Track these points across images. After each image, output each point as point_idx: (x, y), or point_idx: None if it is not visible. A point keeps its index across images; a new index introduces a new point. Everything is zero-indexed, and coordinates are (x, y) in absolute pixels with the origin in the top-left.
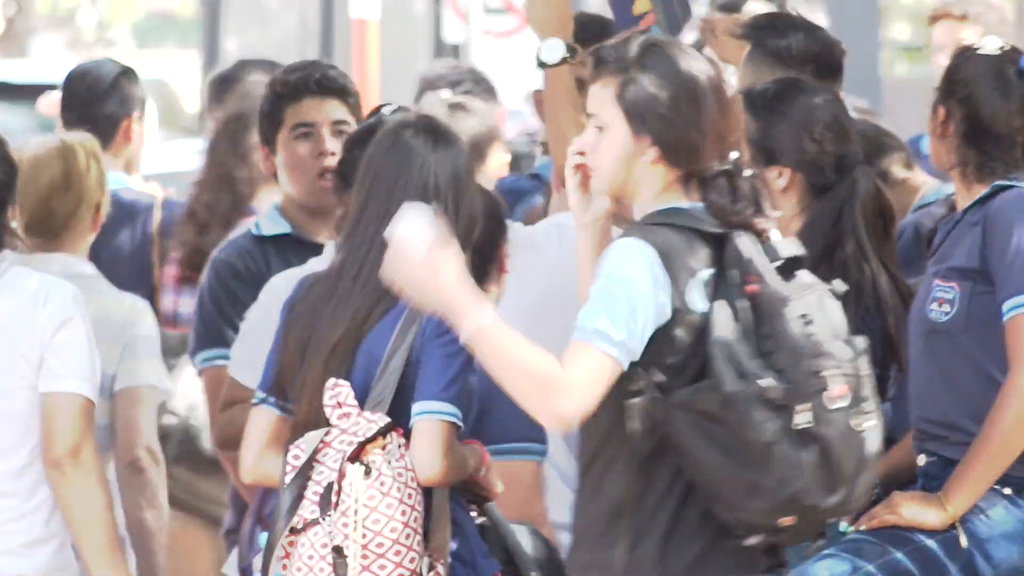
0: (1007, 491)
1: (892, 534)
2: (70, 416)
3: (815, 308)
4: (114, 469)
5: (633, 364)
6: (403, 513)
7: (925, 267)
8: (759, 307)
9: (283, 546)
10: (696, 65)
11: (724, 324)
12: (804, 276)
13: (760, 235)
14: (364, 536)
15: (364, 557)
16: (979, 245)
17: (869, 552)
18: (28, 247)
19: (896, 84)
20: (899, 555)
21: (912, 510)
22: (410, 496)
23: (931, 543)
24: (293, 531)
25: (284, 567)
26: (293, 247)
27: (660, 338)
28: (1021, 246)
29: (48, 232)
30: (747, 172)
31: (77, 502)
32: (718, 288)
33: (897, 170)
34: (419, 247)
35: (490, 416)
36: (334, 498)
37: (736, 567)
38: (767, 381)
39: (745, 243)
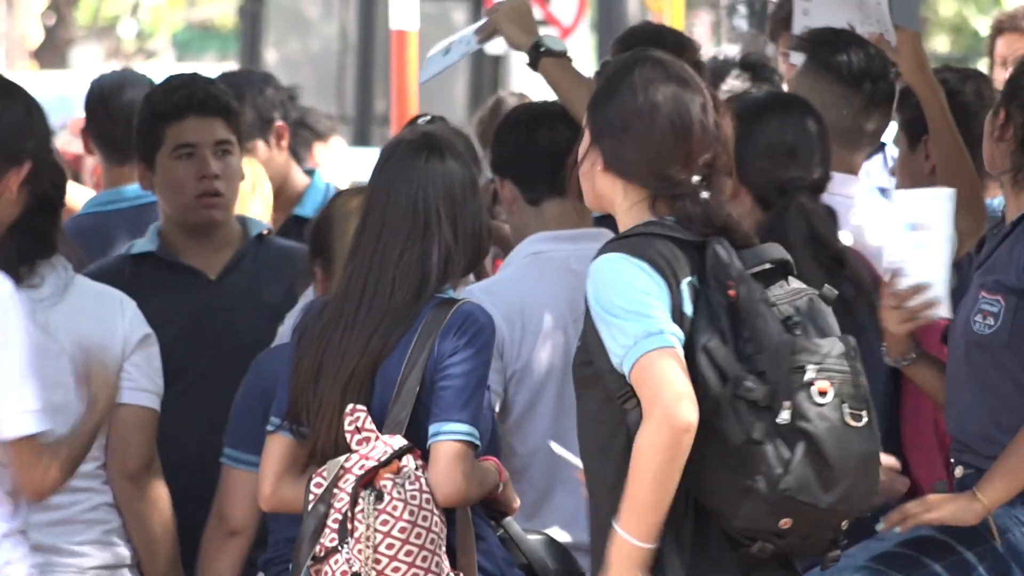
0: None
1: (929, 545)
2: (146, 429)
3: (804, 312)
4: None
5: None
6: (418, 536)
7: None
8: (739, 311)
9: (310, 575)
10: (664, 88)
11: (706, 329)
12: (794, 282)
13: (737, 242)
14: (379, 562)
15: None
16: None
17: (905, 564)
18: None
19: None
20: (937, 567)
21: (947, 510)
22: (425, 518)
23: (969, 555)
24: (315, 559)
25: None
26: (159, 267)
27: None
28: None
29: None
30: (704, 195)
31: (152, 514)
32: (699, 294)
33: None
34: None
35: None
36: (349, 525)
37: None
38: (749, 382)
39: (723, 249)
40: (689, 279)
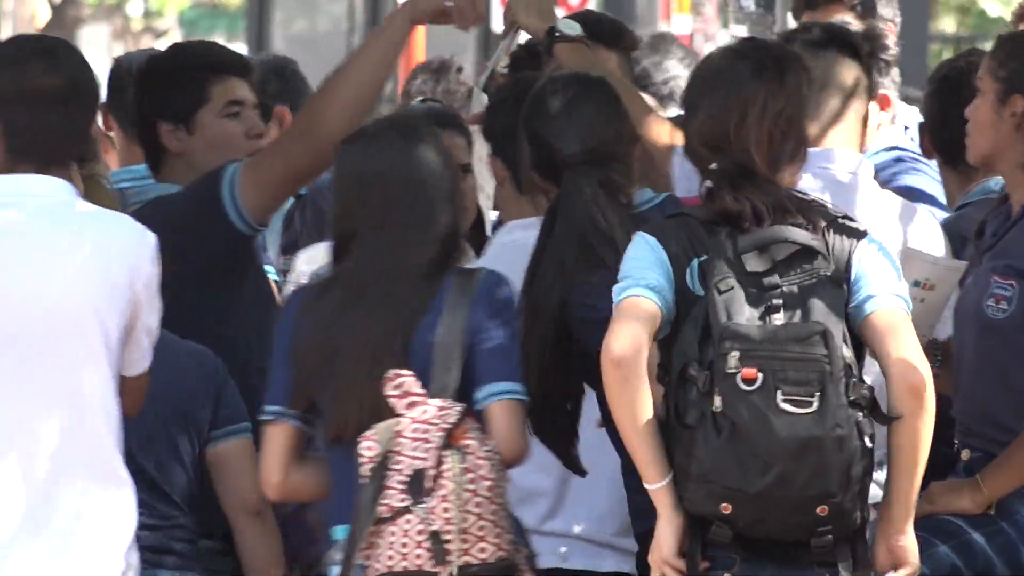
0: None
1: (937, 527)
2: None
3: (805, 296)
4: None
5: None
6: (500, 495)
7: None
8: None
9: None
10: (701, 71)
11: (694, 313)
12: (819, 262)
13: (739, 226)
14: (465, 520)
15: (464, 540)
16: None
17: None
18: None
19: None
20: (944, 548)
21: (947, 498)
22: (501, 477)
23: (977, 536)
24: (378, 521)
25: (367, 557)
26: None
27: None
28: None
29: None
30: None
31: None
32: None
33: None
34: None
35: None
36: (428, 484)
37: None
38: (692, 368)
39: (717, 234)
40: (698, 260)
